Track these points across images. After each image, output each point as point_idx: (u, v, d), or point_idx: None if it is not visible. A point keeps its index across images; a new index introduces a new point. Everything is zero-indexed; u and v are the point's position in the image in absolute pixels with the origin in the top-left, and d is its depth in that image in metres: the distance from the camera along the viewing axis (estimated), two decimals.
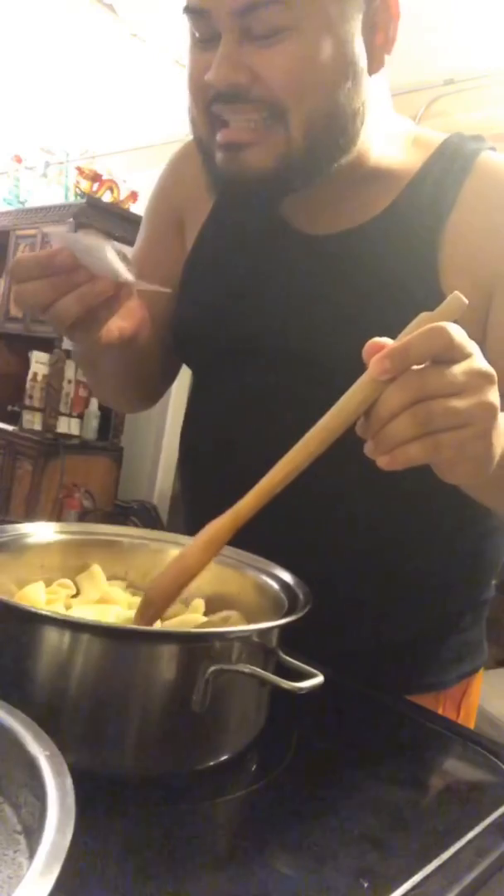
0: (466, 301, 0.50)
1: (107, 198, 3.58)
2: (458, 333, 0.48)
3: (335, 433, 0.52)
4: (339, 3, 0.67)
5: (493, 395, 0.50)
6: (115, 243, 0.66)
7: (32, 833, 0.33)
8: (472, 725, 0.93)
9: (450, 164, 0.77)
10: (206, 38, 0.69)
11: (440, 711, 0.86)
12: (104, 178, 3.60)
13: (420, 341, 0.48)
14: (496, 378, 0.50)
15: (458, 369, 0.48)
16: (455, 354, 0.48)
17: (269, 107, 0.68)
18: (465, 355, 0.49)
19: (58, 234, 0.64)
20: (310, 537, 0.82)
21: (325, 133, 0.70)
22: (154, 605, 0.60)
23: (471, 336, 0.75)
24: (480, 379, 0.49)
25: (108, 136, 4.01)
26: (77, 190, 3.65)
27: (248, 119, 0.69)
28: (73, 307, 0.64)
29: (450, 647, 0.88)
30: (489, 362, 0.76)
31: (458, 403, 0.48)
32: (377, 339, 0.49)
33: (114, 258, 0.63)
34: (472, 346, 0.50)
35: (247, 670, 0.52)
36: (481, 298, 0.74)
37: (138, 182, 3.66)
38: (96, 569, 0.68)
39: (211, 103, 0.70)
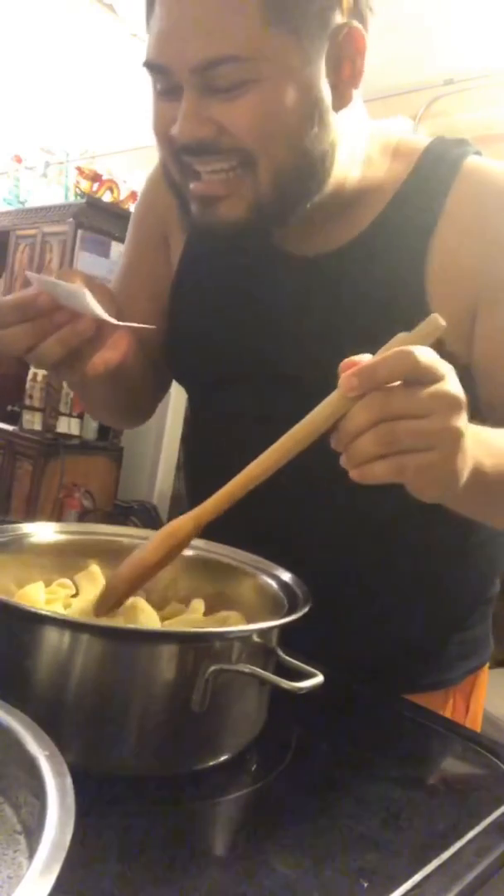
0: (444, 323, 0.51)
1: (107, 198, 3.58)
2: (426, 356, 0.49)
3: (302, 444, 0.54)
4: (300, 49, 0.65)
5: (459, 420, 0.50)
6: (97, 282, 0.66)
7: (32, 833, 0.33)
8: (479, 719, 0.93)
9: (433, 172, 0.76)
10: (167, 90, 0.68)
11: (449, 707, 0.86)
12: (104, 178, 3.60)
13: (386, 363, 0.49)
14: (465, 403, 0.51)
15: (426, 392, 0.49)
16: (423, 377, 0.49)
17: (237, 155, 0.67)
18: (436, 378, 0.49)
19: (37, 279, 0.63)
20: (311, 535, 0.82)
21: (293, 179, 0.69)
22: (114, 595, 0.61)
23: (458, 349, 0.74)
24: (447, 403, 0.50)
25: (108, 136, 4.00)
26: (77, 190, 3.65)
27: (218, 170, 0.68)
28: (56, 349, 0.64)
29: (456, 644, 0.88)
30: (476, 377, 0.76)
31: (423, 426, 0.49)
32: (353, 357, 0.50)
33: (93, 303, 0.62)
34: (444, 369, 0.50)
35: (247, 670, 0.52)
36: (468, 310, 0.74)
37: (138, 182, 3.64)
38: (95, 568, 0.68)
39: (179, 154, 0.69)
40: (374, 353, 0.51)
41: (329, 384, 0.52)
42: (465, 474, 0.54)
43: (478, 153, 0.78)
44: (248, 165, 0.67)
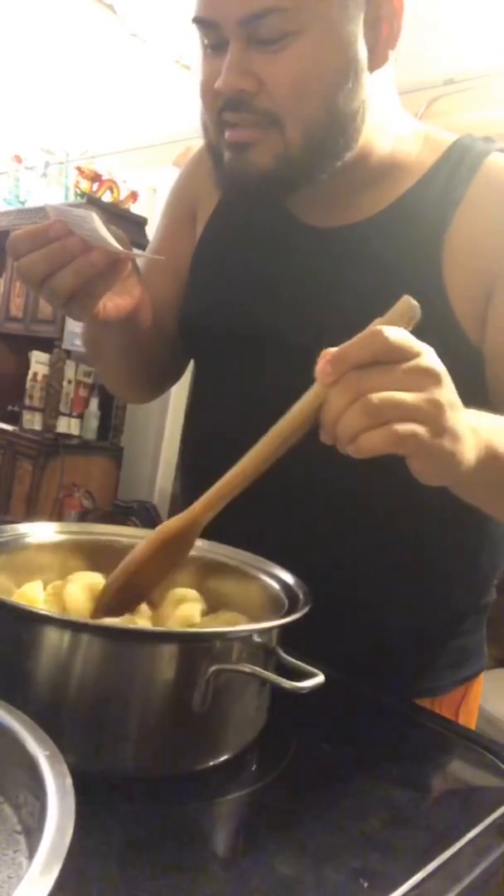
0: (416, 304, 0.51)
1: (107, 198, 3.58)
2: (396, 335, 0.49)
3: (289, 438, 0.54)
4: (341, 5, 0.68)
5: (440, 393, 0.50)
6: (115, 229, 0.68)
7: (32, 833, 0.33)
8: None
9: (459, 163, 0.79)
10: (215, 45, 0.72)
11: None
12: (104, 178, 3.60)
13: (356, 344, 0.49)
14: (445, 376, 0.50)
15: (401, 368, 0.49)
16: (395, 355, 0.49)
17: (267, 117, 0.71)
18: (411, 355, 0.49)
19: (52, 207, 0.67)
20: (311, 536, 0.82)
21: (322, 135, 0.72)
22: (106, 592, 0.63)
23: (471, 329, 0.75)
24: (425, 376, 0.49)
25: (108, 136, 4.01)
26: (77, 190, 3.65)
27: (248, 120, 0.71)
28: (69, 279, 0.66)
29: (448, 651, 0.87)
30: (487, 359, 0.76)
31: (402, 398, 0.48)
32: (328, 350, 0.50)
33: (101, 227, 0.64)
34: (420, 347, 0.50)
35: (247, 670, 0.52)
36: (482, 294, 0.75)
37: (138, 182, 3.66)
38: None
39: (222, 111, 0.72)
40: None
41: None
42: (466, 455, 0.52)
43: (502, 150, 0.81)
44: (276, 125, 0.71)
